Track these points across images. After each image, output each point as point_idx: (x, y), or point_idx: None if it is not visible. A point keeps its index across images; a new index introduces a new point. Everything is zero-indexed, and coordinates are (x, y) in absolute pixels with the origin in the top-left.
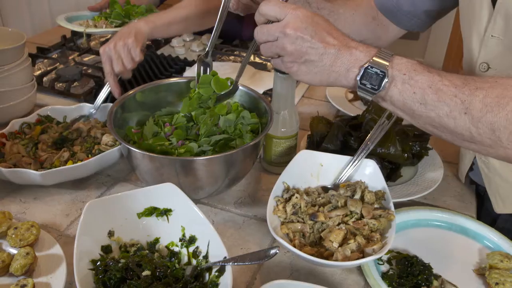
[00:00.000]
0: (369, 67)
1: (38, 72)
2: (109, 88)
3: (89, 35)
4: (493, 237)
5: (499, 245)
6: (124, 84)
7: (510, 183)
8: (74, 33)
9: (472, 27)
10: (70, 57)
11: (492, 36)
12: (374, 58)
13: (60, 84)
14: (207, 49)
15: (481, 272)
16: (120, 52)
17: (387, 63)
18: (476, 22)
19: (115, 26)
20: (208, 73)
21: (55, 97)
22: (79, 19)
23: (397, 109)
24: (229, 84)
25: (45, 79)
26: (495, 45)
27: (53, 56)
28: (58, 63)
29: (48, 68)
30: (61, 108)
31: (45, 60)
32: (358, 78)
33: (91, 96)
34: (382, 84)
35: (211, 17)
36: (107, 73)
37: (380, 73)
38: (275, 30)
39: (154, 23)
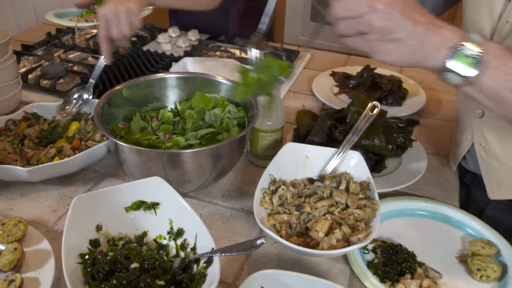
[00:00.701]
0: (460, 49)
1: (23, 70)
2: (103, 62)
3: (73, 33)
4: (475, 225)
5: (481, 232)
6: (111, 80)
7: (509, 168)
8: (59, 30)
9: (483, 13)
10: (55, 54)
11: (507, 21)
12: (464, 41)
13: (46, 81)
14: (263, 30)
15: (463, 259)
16: (121, 16)
17: (480, 47)
18: (489, 7)
19: None
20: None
21: (41, 94)
22: (67, 15)
23: (483, 96)
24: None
25: (30, 76)
26: (509, 30)
27: (38, 53)
28: (43, 60)
29: (33, 65)
30: (47, 105)
31: (30, 57)
32: (445, 60)
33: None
34: (474, 69)
35: None
36: (102, 37)
37: (476, 56)
38: (361, 5)
39: None
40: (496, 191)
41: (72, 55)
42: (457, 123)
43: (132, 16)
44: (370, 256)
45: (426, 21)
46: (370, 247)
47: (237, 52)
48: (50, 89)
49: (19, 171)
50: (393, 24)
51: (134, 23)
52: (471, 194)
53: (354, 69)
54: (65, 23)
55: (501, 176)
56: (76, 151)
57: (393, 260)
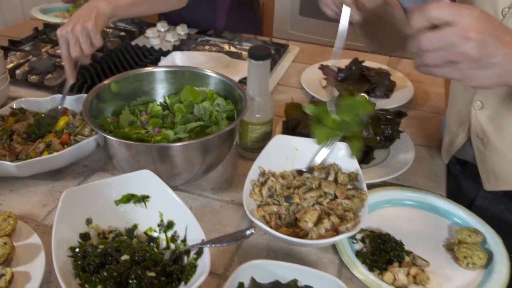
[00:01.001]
0: None
1: (10, 65)
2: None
3: None
4: (462, 214)
5: (467, 221)
6: (99, 75)
7: (507, 159)
8: (46, 25)
9: (487, 9)
10: (43, 49)
11: None
12: None
13: (34, 77)
14: (337, 55)
15: (450, 247)
16: (79, 36)
17: None
18: (493, 2)
19: None
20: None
21: (29, 90)
22: (54, 11)
23: None
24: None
25: (18, 71)
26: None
27: (26, 49)
28: (30, 56)
29: (21, 61)
30: (35, 100)
31: (18, 53)
32: None
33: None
34: None
35: None
36: (63, 57)
37: None
38: (452, 35)
39: (116, 2)
40: (493, 183)
41: (60, 51)
42: (450, 116)
43: (91, 35)
44: (358, 246)
45: None
46: (358, 237)
47: (226, 46)
48: (38, 84)
49: (8, 166)
50: (488, 51)
51: (94, 43)
52: (461, 185)
53: (342, 62)
54: (51, 19)
55: (498, 167)
56: (65, 146)
57: (381, 249)
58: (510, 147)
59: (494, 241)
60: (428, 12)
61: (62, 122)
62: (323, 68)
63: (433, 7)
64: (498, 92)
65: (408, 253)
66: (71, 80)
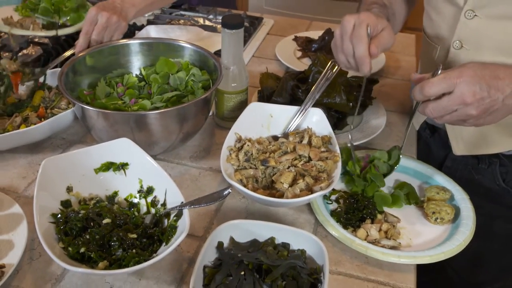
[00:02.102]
0: None
1: None
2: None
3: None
4: (431, 173)
5: (436, 180)
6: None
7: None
8: None
9: None
10: None
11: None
12: None
13: (7, 54)
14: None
15: (420, 205)
16: (111, 26)
17: None
18: None
19: (42, 27)
20: None
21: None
22: (2, 4)
23: None
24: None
25: None
26: None
27: None
28: (2, 33)
29: None
30: None
31: None
32: None
33: (39, 64)
34: None
35: None
36: (84, 32)
37: None
38: (452, 105)
39: (139, 5)
40: (462, 148)
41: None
42: None
43: (117, 33)
44: (333, 206)
45: (509, 82)
46: (333, 198)
47: (201, 20)
48: (12, 60)
49: None
50: (487, 106)
51: (116, 36)
52: (431, 148)
53: (316, 34)
54: None
55: (467, 133)
56: (42, 119)
57: (355, 208)
58: None
59: (461, 198)
60: (426, 92)
61: (38, 96)
62: (297, 39)
63: (429, 86)
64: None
65: (380, 211)
66: (77, 53)
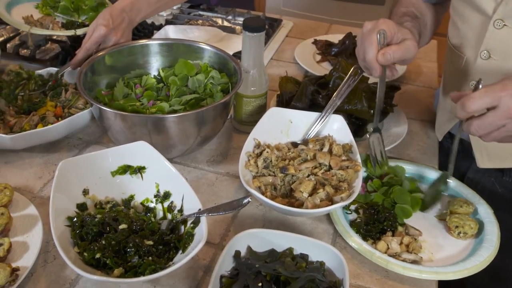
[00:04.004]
0: None
1: (1, 38)
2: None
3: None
4: (454, 185)
5: (459, 192)
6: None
7: None
8: None
9: None
10: None
11: None
12: None
13: (25, 50)
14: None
15: (442, 218)
16: (117, 39)
17: None
18: None
19: (62, 26)
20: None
21: (20, 63)
22: (21, 2)
23: None
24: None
25: (8, 45)
26: None
27: None
28: (21, 30)
29: (11, 34)
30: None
31: (7, 27)
32: None
33: (57, 61)
34: None
35: None
36: (88, 42)
37: None
38: (499, 119)
39: (145, 11)
40: (486, 161)
41: (87, 34)
42: (444, 95)
43: (111, 43)
44: (352, 216)
45: None
46: (352, 207)
47: (219, 20)
48: (30, 58)
49: (2, 138)
50: None
51: (127, 37)
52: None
53: (336, 37)
54: (18, 25)
55: (491, 145)
56: (60, 119)
57: (375, 219)
58: None
59: (485, 212)
60: (468, 108)
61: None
62: (316, 42)
63: (471, 101)
64: (493, 74)
65: (401, 223)
66: (73, 68)
